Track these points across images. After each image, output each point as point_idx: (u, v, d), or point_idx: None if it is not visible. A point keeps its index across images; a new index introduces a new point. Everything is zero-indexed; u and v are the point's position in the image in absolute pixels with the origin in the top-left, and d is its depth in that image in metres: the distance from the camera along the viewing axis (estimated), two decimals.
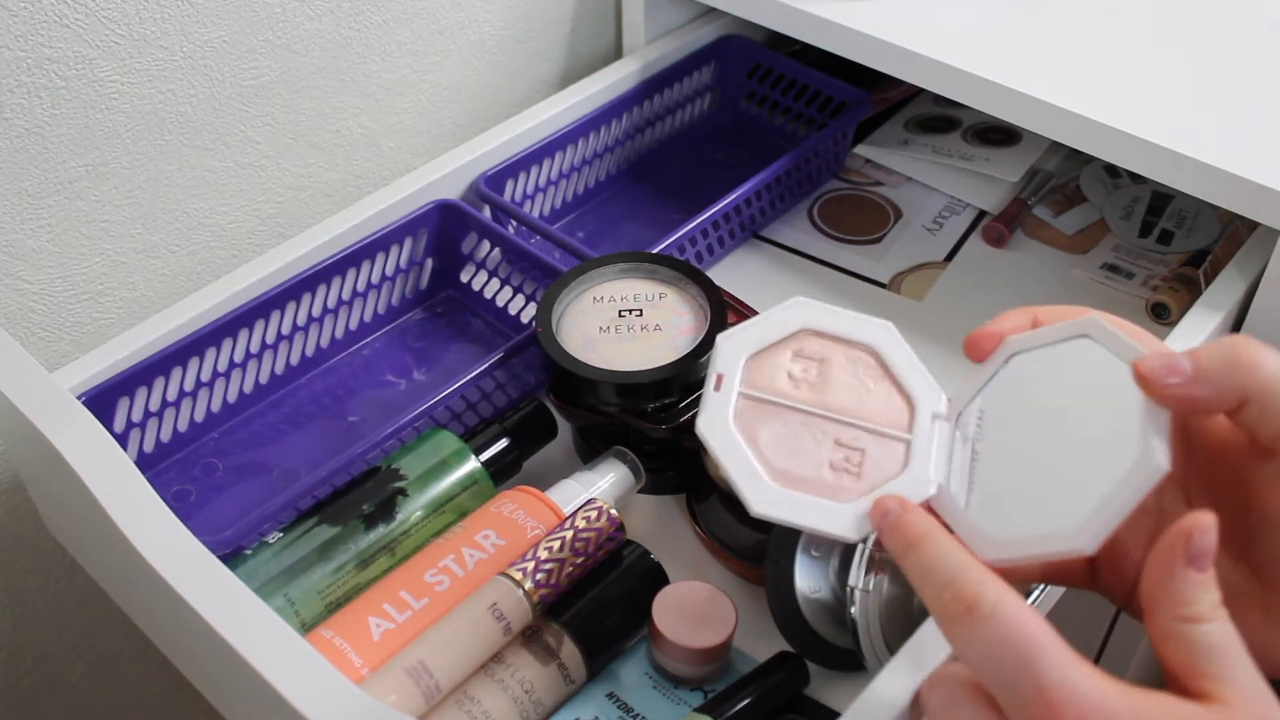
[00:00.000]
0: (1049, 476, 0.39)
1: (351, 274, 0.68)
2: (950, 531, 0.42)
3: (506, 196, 0.75)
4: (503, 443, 0.61)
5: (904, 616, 0.51)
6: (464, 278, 0.73)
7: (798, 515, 0.40)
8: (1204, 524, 0.35)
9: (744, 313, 0.69)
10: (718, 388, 0.42)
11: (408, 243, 0.71)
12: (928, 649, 0.44)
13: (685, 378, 0.59)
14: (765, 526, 0.54)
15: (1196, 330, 0.61)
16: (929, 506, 0.42)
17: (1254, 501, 0.39)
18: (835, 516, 0.40)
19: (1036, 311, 0.43)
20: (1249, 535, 0.40)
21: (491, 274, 0.72)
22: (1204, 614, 0.35)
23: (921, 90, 0.87)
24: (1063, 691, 0.33)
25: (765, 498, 0.41)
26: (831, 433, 0.42)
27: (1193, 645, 0.34)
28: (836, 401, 0.43)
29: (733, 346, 0.43)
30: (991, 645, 0.34)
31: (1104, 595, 0.44)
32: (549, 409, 0.63)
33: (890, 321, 0.44)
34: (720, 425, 0.42)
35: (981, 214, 0.82)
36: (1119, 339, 0.39)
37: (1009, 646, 0.34)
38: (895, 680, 0.42)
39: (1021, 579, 0.44)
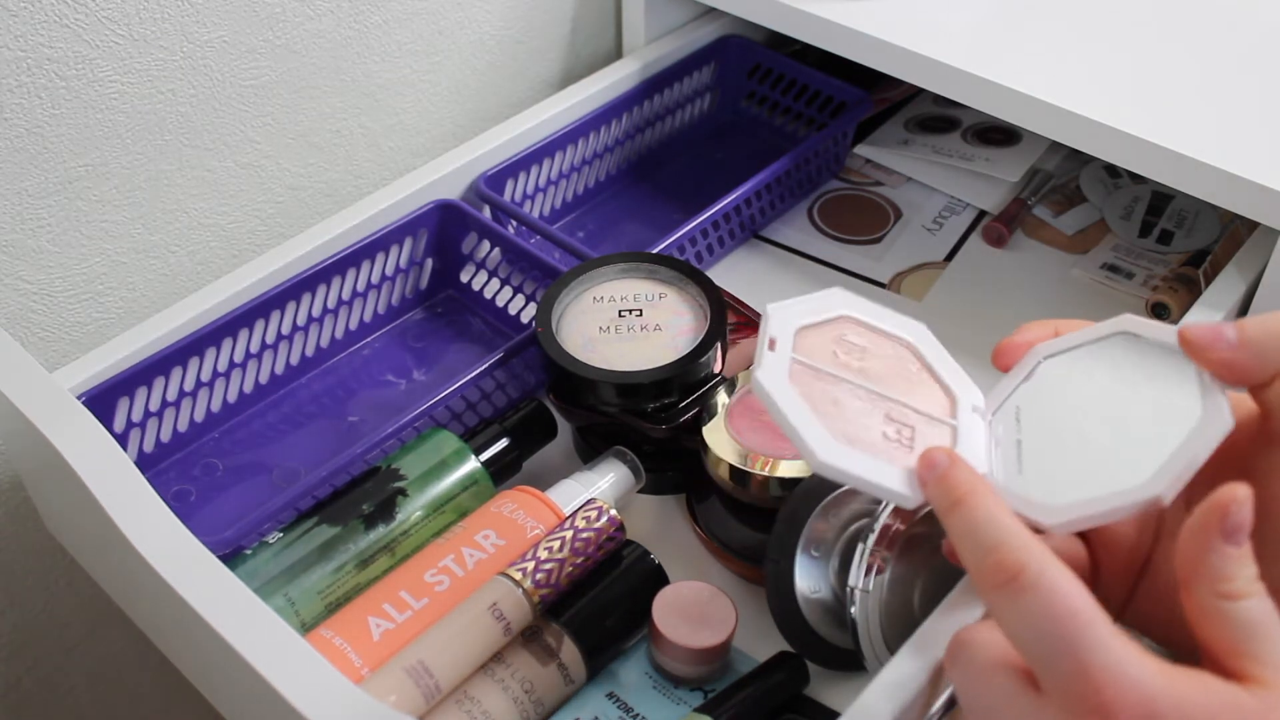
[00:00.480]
0: (1106, 448, 0.39)
1: (351, 274, 0.68)
2: None
3: (506, 196, 0.75)
4: (503, 443, 0.61)
5: (904, 616, 0.51)
6: (464, 278, 0.73)
7: (860, 469, 0.39)
8: (1240, 497, 0.34)
9: (744, 313, 0.69)
10: (772, 349, 0.41)
11: (408, 243, 0.71)
12: (928, 649, 0.44)
13: (685, 378, 0.59)
14: (765, 526, 0.54)
15: None
16: None
17: (1255, 491, 0.39)
18: (897, 476, 0.39)
19: (1058, 324, 0.43)
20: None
21: (491, 274, 0.72)
22: (1242, 590, 0.34)
23: (921, 90, 0.87)
24: (1106, 669, 0.32)
25: (828, 448, 0.39)
26: (882, 407, 0.42)
27: (1232, 622, 0.34)
28: (882, 384, 0.42)
29: (784, 316, 0.43)
30: (1033, 617, 0.34)
31: (1101, 602, 0.43)
32: (549, 409, 0.63)
33: (923, 323, 0.44)
34: (779, 379, 0.40)
35: (981, 214, 0.82)
36: (1158, 328, 0.40)
37: (1052, 620, 0.33)
38: (895, 680, 0.42)
39: None
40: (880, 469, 0.40)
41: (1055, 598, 0.33)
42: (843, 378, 0.42)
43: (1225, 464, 0.40)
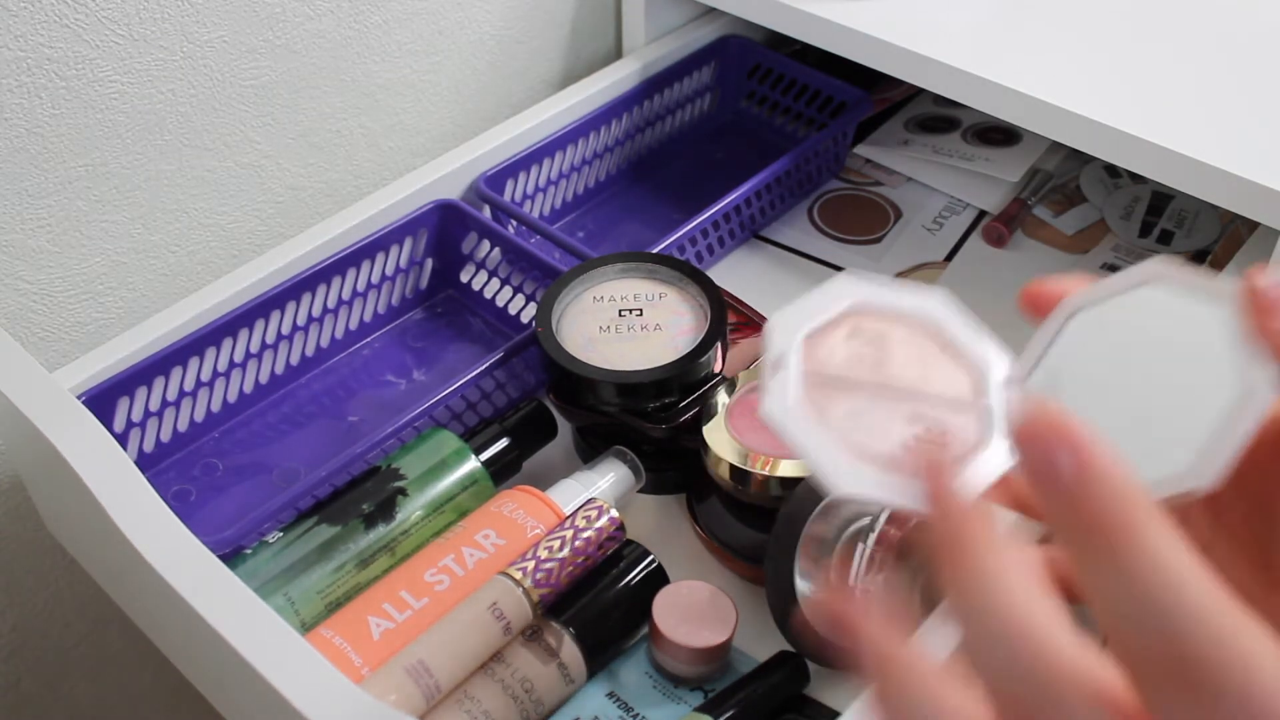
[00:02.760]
0: (1143, 427, 0.37)
1: (351, 274, 0.68)
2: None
3: (506, 196, 0.75)
4: (503, 442, 0.61)
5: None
6: (464, 278, 0.73)
7: (884, 491, 0.37)
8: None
9: (744, 313, 0.69)
10: (778, 368, 0.40)
11: (408, 243, 0.71)
12: (928, 649, 0.44)
13: (685, 377, 0.59)
14: (765, 526, 0.54)
15: None
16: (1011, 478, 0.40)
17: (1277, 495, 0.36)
18: (920, 492, 0.39)
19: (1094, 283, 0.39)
20: (1269, 532, 0.37)
21: (491, 274, 0.72)
22: None
23: (921, 90, 0.87)
24: None
25: (849, 475, 0.38)
26: (902, 408, 0.40)
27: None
28: (901, 376, 0.40)
29: (787, 326, 0.41)
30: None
31: None
32: (549, 409, 0.63)
33: (944, 290, 0.42)
34: (788, 406, 0.39)
35: (981, 214, 0.82)
36: (1194, 278, 0.37)
37: None
38: None
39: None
40: (902, 486, 0.38)
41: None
42: (860, 380, 0.40)
43: (1250, 467, 0.36)
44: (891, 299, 0.42)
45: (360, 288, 0.69)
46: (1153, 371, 0.38)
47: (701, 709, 0.51)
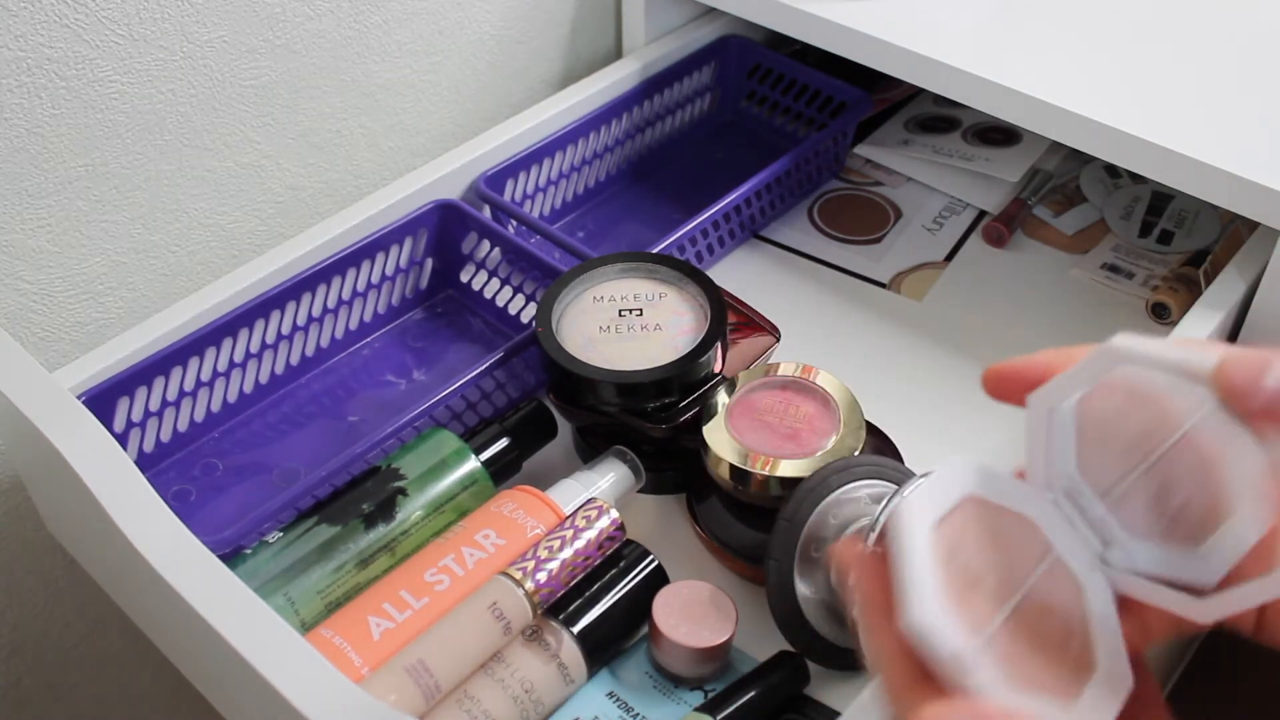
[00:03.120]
0: (1193, 516, 0.36)
1: (351, 274, 0.68)
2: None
3: (506, 196, 0.75)
4: (503, 442, 0.61)
5: None
6: (464, 278, 0.73)
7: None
8: None
9: (744, 313, 0.69)
10: (966, 680, 0.34)
11: (408, 243, 0.71)
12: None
13: (685, 377, 0.59)
14: (765, 526, 0.54)
15: (1197, 330, 0.61)
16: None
17: None
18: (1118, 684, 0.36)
19: (1070, 352, 0.38)
20: None
21: (491, 274, 0.72)
22: None
23: (921, 90, 0.87)
24: None
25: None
26: (1029, 608, 0.37)
27: None
28: (999, 582, 0.37)
29: (926, 612, 0.35)
30: None
31: (1232, 625, 0.39)
32: (549, 409, 0.63)
33: (954, 459, 0.38)
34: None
35: (981, 214, 0.82)
36: (1156, 350, 0.34)
37: None
38: None
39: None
40: (1106, 691, 0.35)
41: None
42: (995, 631, 0.36)
43: None
44: (918, 509, 0.37)
45: (360, 288, 0.69)
46: (1173, 467, 0.36)
47: (701, 709, 0.51)
